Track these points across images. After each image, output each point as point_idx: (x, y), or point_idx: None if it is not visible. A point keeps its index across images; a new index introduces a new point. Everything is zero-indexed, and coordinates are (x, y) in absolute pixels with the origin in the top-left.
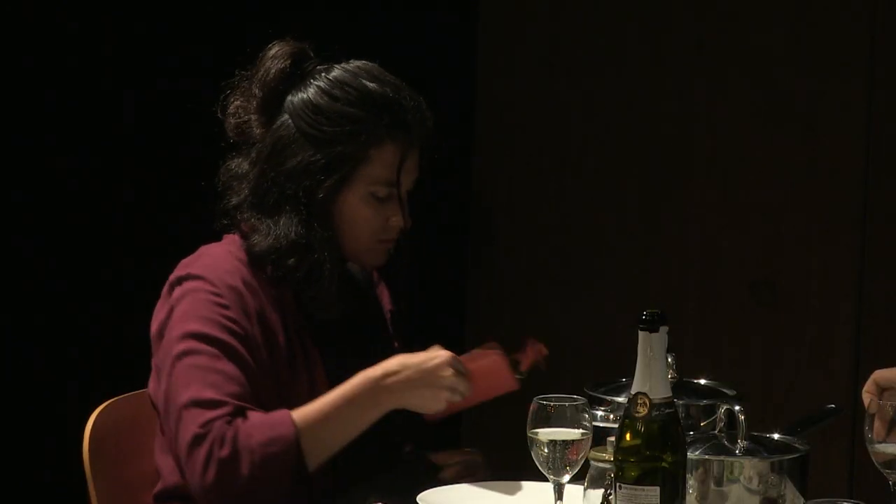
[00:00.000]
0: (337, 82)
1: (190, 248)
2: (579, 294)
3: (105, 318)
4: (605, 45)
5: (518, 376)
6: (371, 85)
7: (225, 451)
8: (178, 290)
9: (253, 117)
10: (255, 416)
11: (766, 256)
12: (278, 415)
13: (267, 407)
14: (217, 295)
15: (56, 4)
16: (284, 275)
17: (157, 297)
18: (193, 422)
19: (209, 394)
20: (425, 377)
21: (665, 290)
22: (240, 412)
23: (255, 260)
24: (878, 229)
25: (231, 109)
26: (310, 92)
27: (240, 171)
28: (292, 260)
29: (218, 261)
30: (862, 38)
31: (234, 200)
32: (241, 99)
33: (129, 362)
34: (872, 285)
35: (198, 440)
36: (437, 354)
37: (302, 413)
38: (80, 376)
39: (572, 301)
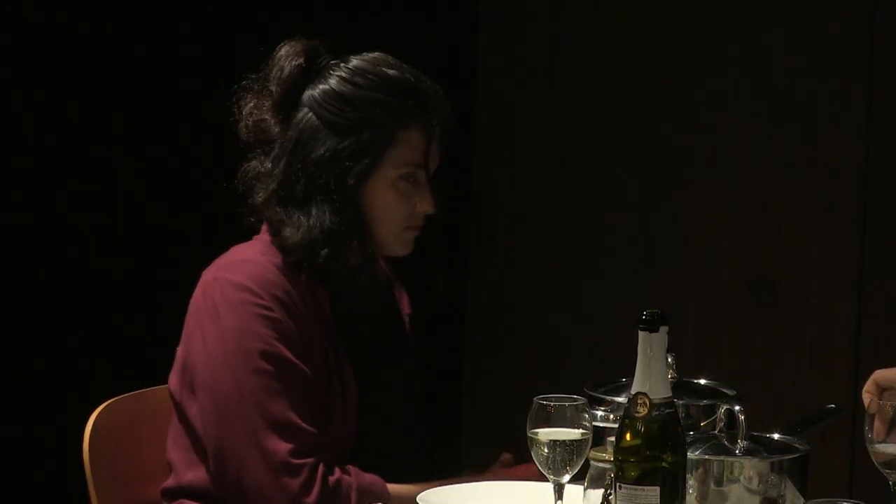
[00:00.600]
0: (358, 70)
1: (194, 250)
2: (579, 294)
3: (105, 318)
4: (605, 45)
5: None
6: (392, 72)
7: (327, 496)
8: (221, 295)
9: (268, 116)
10: (358, 477)
11: (766, 256)
12: (378, 487)
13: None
14: (267, 308)
15: (58, 4)
16: (320, 266)
17: (158, 298)
18: (278, 444)
19: (291, 416)
20: None
21: (665, 290)
22: (330, 454)
23: (288, 254)
24: (878, 229)
25: (245, 111)
26: (331, 83)
27: (262, 169)
28: (326, 250)
29: (259, 269)
30: (862, 38)
31: (261, 197)
32: (255, 100)
33: (129, 362)
34: (872, 285)
35: (290, 468)
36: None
37: (395, 491)
38: (80, 376)
39: (572, 301)
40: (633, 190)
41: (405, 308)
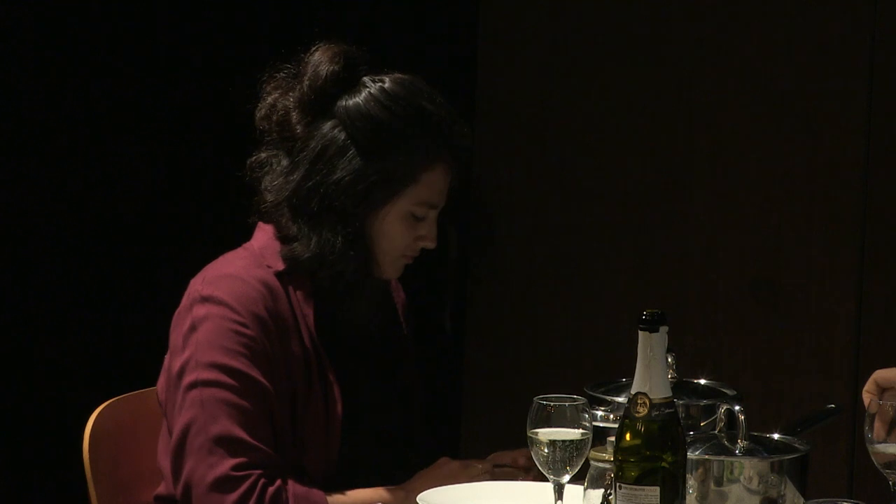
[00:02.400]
0: (395, 96)
1: (192, 251)
2: (579, 294)
3: (105, 317)
4: (605, 44)
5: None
6: (428, 105)
7: None
8: (201, 309)
9: (294, 114)
10: (295, 486)
11: (766, 256)
12: (316, 494)
13: (283, 428)
14: (243, 325)
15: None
16: (325, 285)
17: (158, 298)
18: (224, 460)
19: (239, 433)
20: (443, 480)
21: (665, 290)
22: (278, 469)
23: (293, 267)
24: (878, 229)
25: (269, 100)
26: (366, 101)
27: (278, 167)
28: (333, 272)
29: (242, 286)
30: (862, 38)
31: (271, 198)
32: (279, 93)
33: (129, 362)
34: (872, 285)
35: (230, 482)
36: (444, 461)
37: (337, 502)
38: (80, 376)
39: (572, 301)
40: (633, 190)
41: (401, 310)
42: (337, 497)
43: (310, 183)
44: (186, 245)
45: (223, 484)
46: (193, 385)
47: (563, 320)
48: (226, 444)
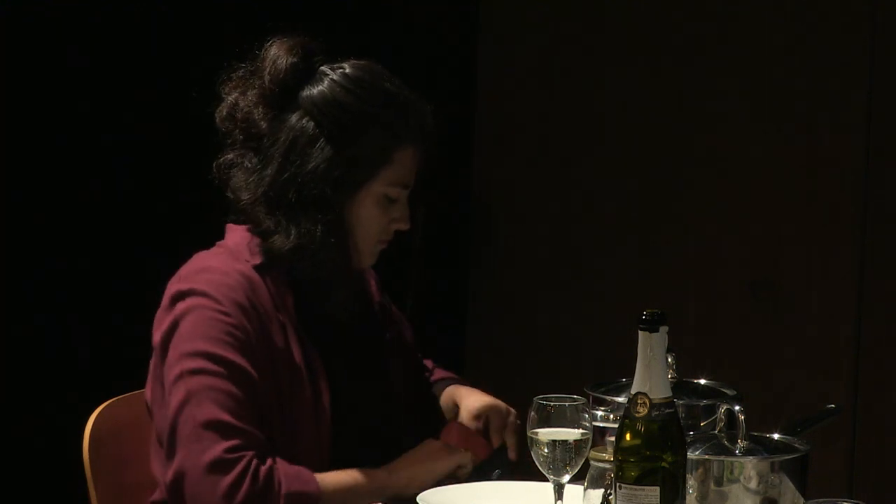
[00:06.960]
0: (358, 81)
1: (196, 250)
2: (579, 294)
3: (105, 318)
4: (605, 44)
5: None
6: (391, 87)
7: (258, 487)
8: (181, 304)
9: (257, 111)
10: (285, 466)
11: (766, 257)
12: (306, 473)
13: (269, 420)
14: (223, 313)
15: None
16: (305, 276)
17: (158, 297)
18: (215, 444)
19: (227, 417)
20: (428, 463)
21: (665, 290)
22: (268, 450)
23: (273, 261)
24: (878, 229)
25: (230, 100)
26: (330, 88)
27: (248, 164)
28: (313, 262)
29: (219, 276)
30: (862, 38)
31: (247, 196)
32: (238, 92)
33: (129, 362)
34: (872, 285)
35: (224, 464)
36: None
37: (325, 480)
38: (80, 376)
39: (572, 301)
40: (633, 190)
41: (375, 296)
42: (324, 475)
43: (285, 175)
44: (187, 245)
45: (217, 467)
46: (179, 377)
47: (563, 320)
48: (214, 429)
